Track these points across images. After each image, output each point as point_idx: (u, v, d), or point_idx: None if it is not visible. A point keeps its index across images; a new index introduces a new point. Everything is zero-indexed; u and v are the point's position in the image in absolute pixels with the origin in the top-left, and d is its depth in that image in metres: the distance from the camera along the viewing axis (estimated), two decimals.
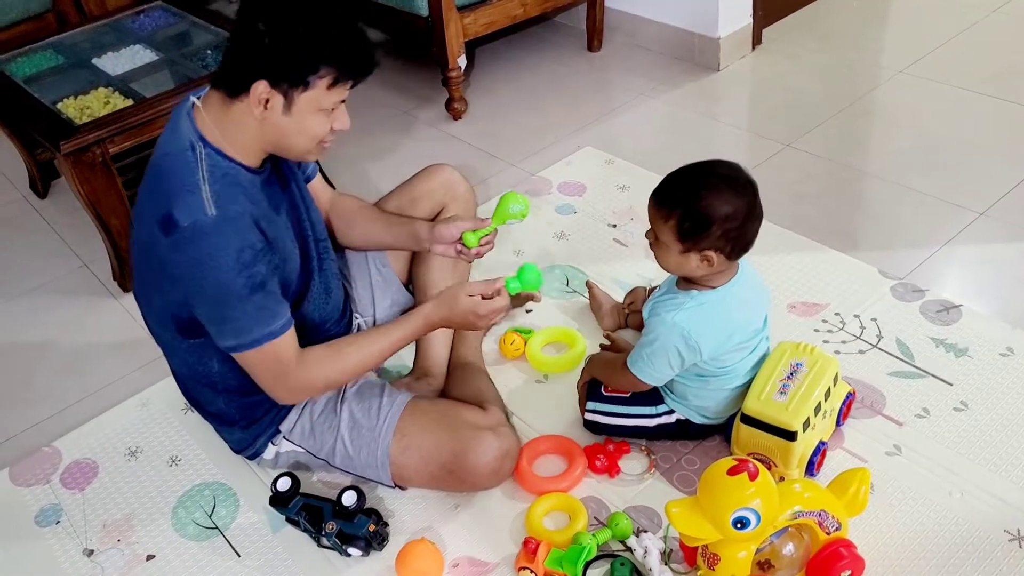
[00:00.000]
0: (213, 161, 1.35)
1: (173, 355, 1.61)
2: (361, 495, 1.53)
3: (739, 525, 1.28)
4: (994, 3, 3.18)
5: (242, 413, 1.60)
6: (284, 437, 1.63)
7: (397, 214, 1.78)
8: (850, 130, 2.63)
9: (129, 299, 2.25)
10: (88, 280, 2.37)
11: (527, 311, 2.05)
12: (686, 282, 1.52)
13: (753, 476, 1.28)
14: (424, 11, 2.69)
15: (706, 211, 1.40)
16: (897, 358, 1.81)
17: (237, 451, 1.70)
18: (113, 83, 2.32)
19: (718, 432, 1.67)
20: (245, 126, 1.35)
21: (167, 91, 2.20)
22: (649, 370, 1.54)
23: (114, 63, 2.43)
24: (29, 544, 1.67)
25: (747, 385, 1.58)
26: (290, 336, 1.42)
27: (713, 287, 1.51)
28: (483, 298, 1.51)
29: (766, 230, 2.15)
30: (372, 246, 1.79)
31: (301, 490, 1.57)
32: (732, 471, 1.29)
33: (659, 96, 2.90)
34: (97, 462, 1.82)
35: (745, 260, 1.54)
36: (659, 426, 1.66)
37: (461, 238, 1.67)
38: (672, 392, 1.64)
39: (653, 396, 1.65)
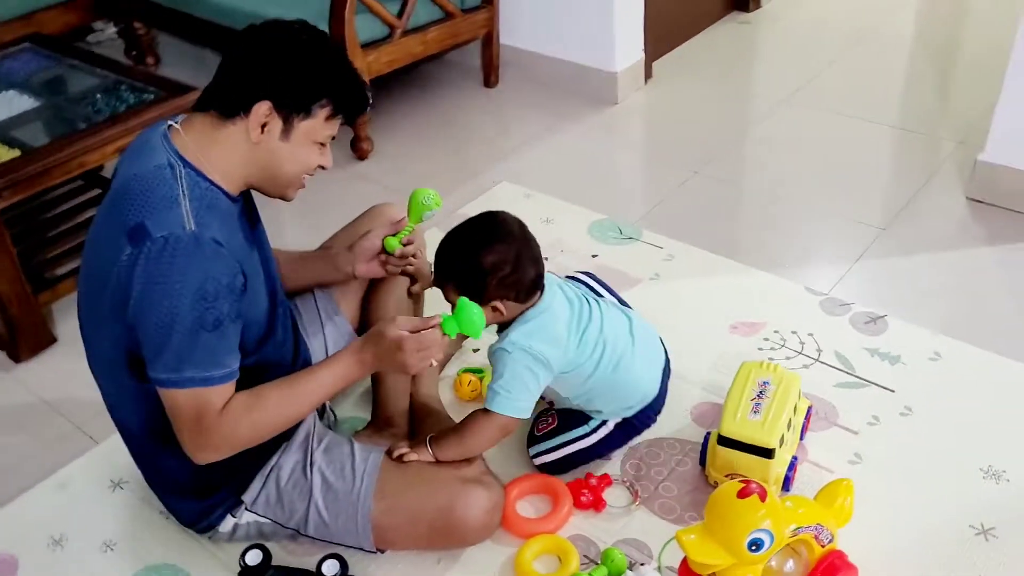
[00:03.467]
0: (193, 181, 1.28)
1: (125, 405, 1.44)
2: (344, 564, 1.42)
3: (754, 547, 1.27)
4: (860, 32, 3.43)
5: (200, 479, 1.46)
6: (246, 508, 1.50)
7: (312, 251, 1.71)
8: (750, 156, 2.75)
9: (23, 370, 2.04)
10: None
11: (474, 350, 2.00)
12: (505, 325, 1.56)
13: (763, 497, 1.28)
14: None
15: (477, 269, 1.45)
16: (839, 370, 1.89)
17: (188, 524, 1.55)
18: None
19: (655, 412, 1.68)
20: (234, 149, 1.30)
21: (61, 137, 2.02)
22: (510, 401, 1.51)
23: None
24: None
25: (647, 357, 1.65)
26: (226, 390, 1.30)
27: (524, 311, 1.53)
28: (412, 332, 1.37)
29: (692, 255, 2.25)
30: (296, 288, 1.70)
31: (275, 561, 1.45)
32: (742, 494, 1.29)
33: (565, 130, 2.93)
34: (16, 556, 1.61)
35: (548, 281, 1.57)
36: (604, 439, 1.65)
37: (383, 247, 1.61)
38: (589, 409, 1.65)
39: (577, 417, 1.66)
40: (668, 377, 1.71)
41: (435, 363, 1.40)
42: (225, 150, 1.30)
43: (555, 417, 1.68)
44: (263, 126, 1.28)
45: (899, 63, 3.28)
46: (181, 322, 1.22)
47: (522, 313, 1.53)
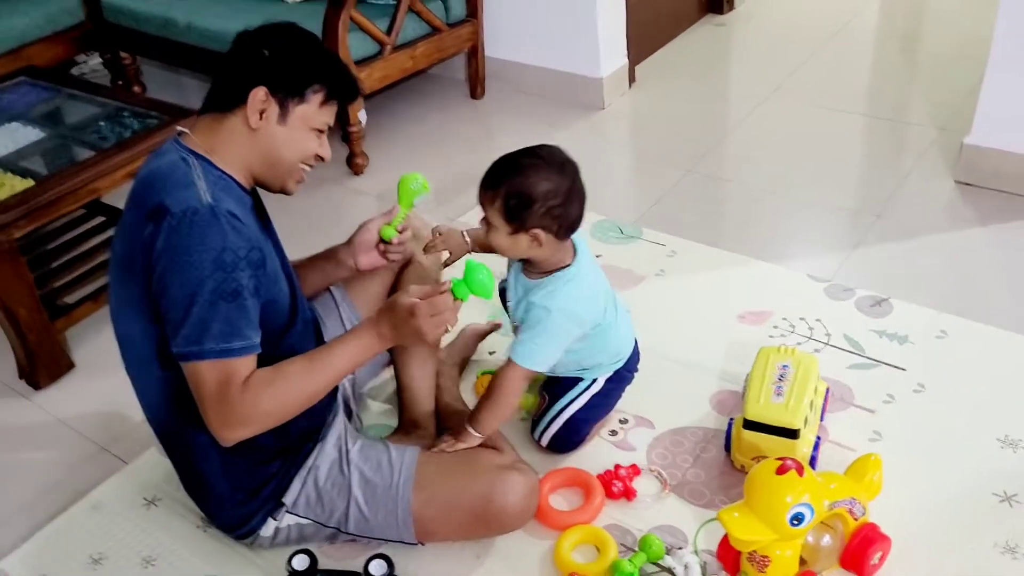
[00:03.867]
0: (206, 170, 1.36)
1: (161, 402, 1.46)
2: (390, 564, 1.45)
3: (796, 521, 1.32)
4: (831, 29, 3.52)
5: (243, 481, 1.49)
6: (287, 510, 1.52)
7: (315, 254, 1.74)
8: (739, 153, 2.82)
9: (43, 397, 2.05)
10: None
11: (490, 353, 2.03)
12: (537, 271, 1.59)
13: (800, 472, 1.33)
14: None
15: (527, 189, 1.47)
16: (850, 352, 1.94)
17: (229, 531, 1.57)
18: (1, 164, 2.11)
19: (636, 361, 1.78)
20: (237, 138, 1.38)
21: (72, 165, 2.03)
22: (541, 356, 1.56)
23: None
24: None
25: (621, 310, 1.74)
26: (247, 363, 1.31)
27: (567, 265, 1.58)
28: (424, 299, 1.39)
29: (694, 250, 2.30)
30: (307, 293, 1.71)
31: (320, 565, 1.47)
32: (780, 471, 1.33)
33: (555, 137, 2.98)
34: None
35: (577, 237, 1.61)
36: (598, 394, 1.72)
37: (380, 236, 1.65)
38: (587, 366, 1.71)
39: (567, 383, 1.72)
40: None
41: (450, 329, 1.41)
42: (229, 141, 1.38)
43: (546, 396, 1.75)
44: (261, 113, 1.36)
45: (872, 57, 3.37)
46: (200, 291, 1.26)
47: (555, 271, 1.57)
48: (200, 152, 1.37)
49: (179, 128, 1.41)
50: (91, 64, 3.82)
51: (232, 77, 1.38)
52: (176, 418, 1.45)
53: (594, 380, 1.73)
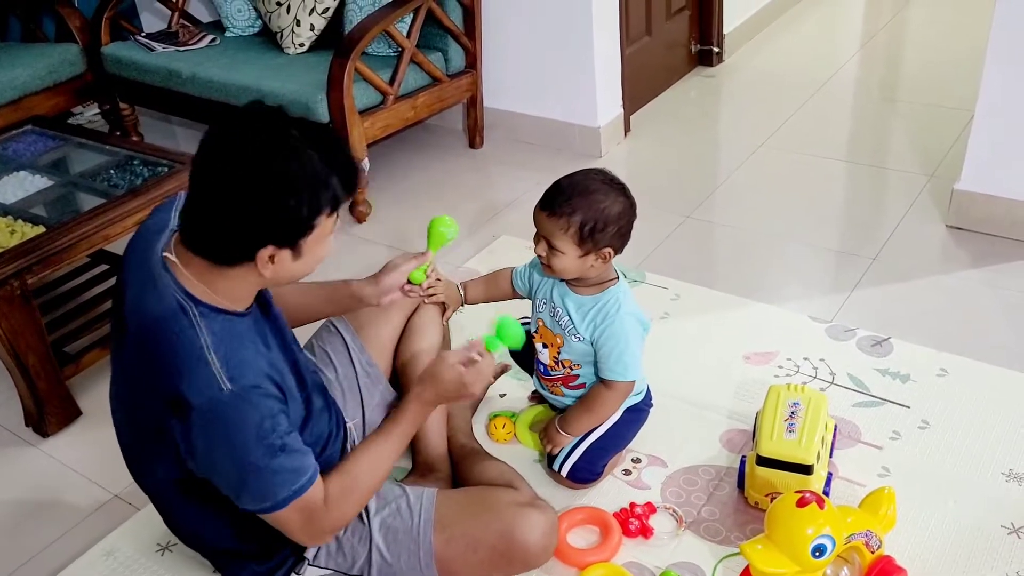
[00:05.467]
0: (209, 320, 1.26)
1: (176, 511, 1.48)
2: None
3: (817, 553, 1.34)
4: (816, 81, 3.63)
5: (262, 547, 1.48)
6: (309, 563, 1.52)
7: (332, 285, 1.71)
8: (735, 199, 2.88)
9: (51, 445, 2.04)
10: None
11: (501, 395, 2.05)
12: (588, 287, 1.66)
13: (821, 505, 1.35)
14: (325, 117, 2.69)
15: (604, 213, 1.56)
16: (855, 391, 1.98)
17: None
18: (11, 212, 2.13)
19: (651, 398, 1.83)
20: (244, 282, 1.29)
21: (84, 212, 2.05)
22: (637, 365, 1.67)
23: (2, 192, 2.24)
24: None
25: None
26: (319, 485, 1.33)
27: (613, 278, 1.68)
28: (466, 365, 1.44)
29: (696, 293, 2.35)
30: (310, 319, 1.72)
31: None
32: (800, 503, 1.36)
33: None
34: None
35: None
36: (619, 424, 1.75)
37: (408, 279, 1.65)
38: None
39: None
40: None
41: (493, 380, 1.46)
42: (235, 285, 1.29)
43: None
44: (272, 257, 1.24)
45: (857, 108, 3.48)
46: (254, 464, 1.25)
47: (606, 286, 1.65)
48: (196, 293, 1.26)
49: (164, 254, 1.29)
50: (87, 115, 3.86)
51: (229, 237, 1.22)
52: (200, 521, 1.47)
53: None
